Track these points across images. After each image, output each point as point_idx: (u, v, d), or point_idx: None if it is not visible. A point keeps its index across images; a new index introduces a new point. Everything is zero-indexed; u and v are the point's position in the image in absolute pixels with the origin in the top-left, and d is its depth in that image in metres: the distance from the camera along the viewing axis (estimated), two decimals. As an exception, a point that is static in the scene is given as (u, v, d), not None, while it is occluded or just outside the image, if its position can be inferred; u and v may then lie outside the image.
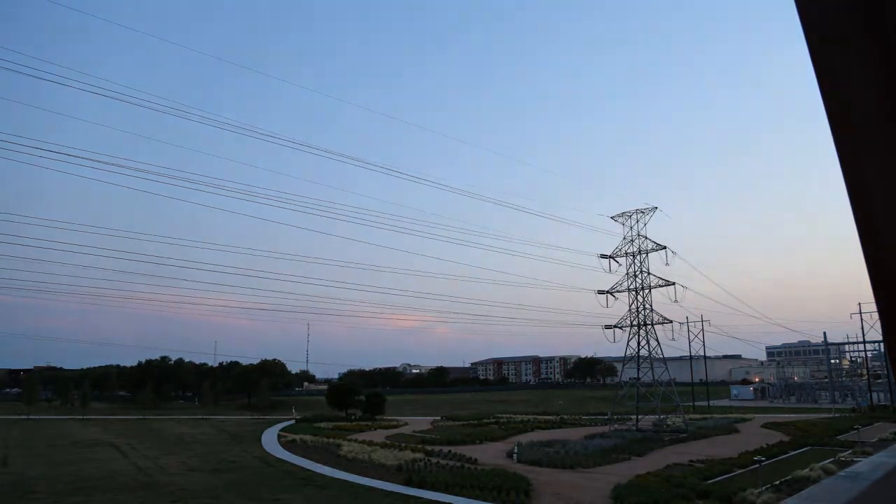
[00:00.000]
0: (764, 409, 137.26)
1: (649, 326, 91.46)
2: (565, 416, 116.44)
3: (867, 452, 62.76)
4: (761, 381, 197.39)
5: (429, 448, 68.03)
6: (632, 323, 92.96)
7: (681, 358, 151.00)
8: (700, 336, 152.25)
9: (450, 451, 65.53)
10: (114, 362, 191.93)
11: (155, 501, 43.67)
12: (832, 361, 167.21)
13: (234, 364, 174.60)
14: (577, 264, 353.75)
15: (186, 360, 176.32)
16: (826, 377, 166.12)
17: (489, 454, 65.07)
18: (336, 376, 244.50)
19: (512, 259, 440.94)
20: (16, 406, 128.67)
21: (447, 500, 42.95)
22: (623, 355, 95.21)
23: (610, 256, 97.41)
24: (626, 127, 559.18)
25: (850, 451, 63.28)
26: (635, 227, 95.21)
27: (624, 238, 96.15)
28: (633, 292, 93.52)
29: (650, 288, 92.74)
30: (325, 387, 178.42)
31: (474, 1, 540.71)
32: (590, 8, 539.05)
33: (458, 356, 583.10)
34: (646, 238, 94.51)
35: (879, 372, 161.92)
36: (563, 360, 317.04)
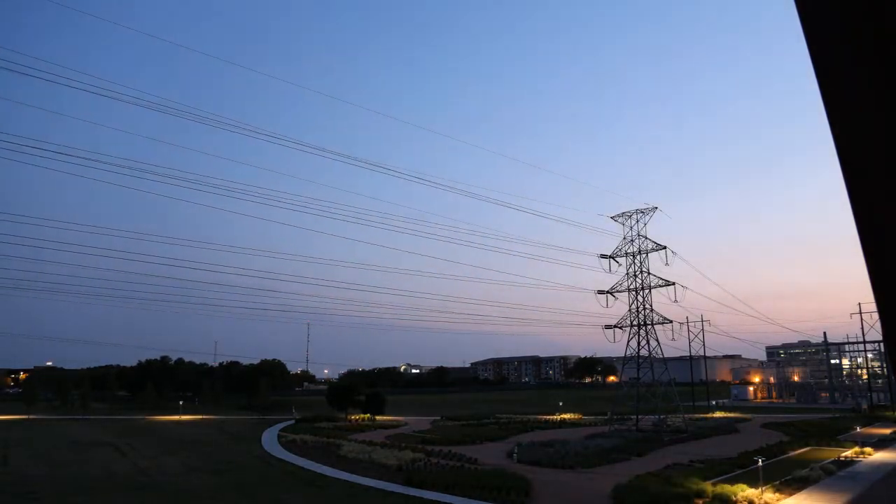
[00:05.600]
0: (764, 409, 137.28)
1: (649, 326, 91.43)
2: (565, 417, 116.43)
3: (867, 452, 62.76)
4: (761, 381, 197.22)
5: (429, 448, 68.03)
6: (632, 323, 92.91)
7: (681, 358, 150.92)
8: (700, 336, 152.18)
9: (450, 451, 65.55)
10: (114, 362, 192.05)
11: (155, 501, 43.67)
12: (832, 361, 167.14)
13: (234, 364, 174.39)
14: (577, 264, 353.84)
15: (186, 360, 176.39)
16: (826, 377, 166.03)
17: (489, 454, 65.06)
18: (336, 376, 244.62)
19: (512, 259, 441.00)
20: (16, 406, 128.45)
21: (447, 500, 42.96)
22: (623, 355, 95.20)
23: (610, 256, 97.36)
24: (628, 127, 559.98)
25: (850, 451, 63.30)
26: (635, 227, 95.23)
27: (624, 238, 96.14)
28: (633, 292, 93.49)
29: (650, 288, 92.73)
30: (325, 387, 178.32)
31: (473, 1, 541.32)
32: (591, 10, 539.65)
33: (458, 356, 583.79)
34: (646, 238, 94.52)
35: (879, 372, 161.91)
36: (563, 360, 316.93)
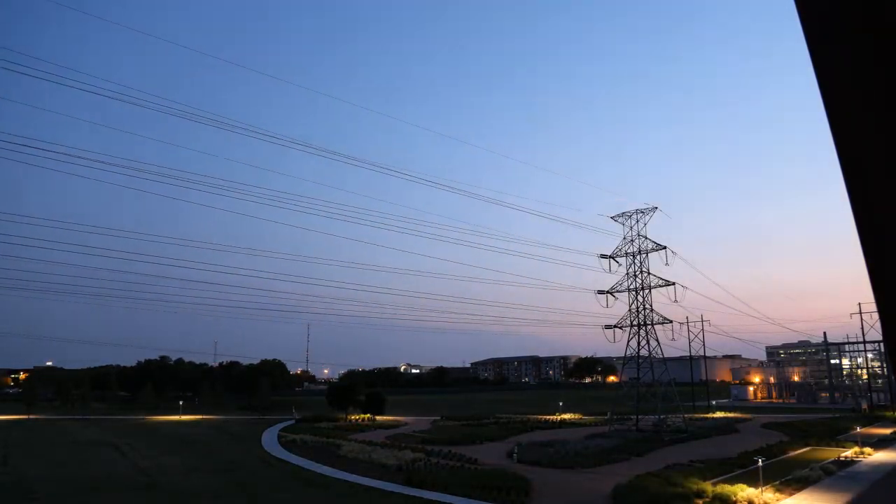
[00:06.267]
0: (764, 409, 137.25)
1: (649, 326, 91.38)
2: (565, 417, 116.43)
3: (867, 452, 62.76)
4: (761, 381, 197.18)
5: (429, 448, 68.03)
6: (632, 323, 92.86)
7: (681, 358, 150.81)
8: (700, 336, 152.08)
9: (450, 451, 65.54)
10: (114, 362, 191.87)
11: (155, 502, 43.66)
12: (832, 361, 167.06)
13: (234, 364, 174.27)
14: (577, 264, 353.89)
15: (186, 360, 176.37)
16: (826, 377, 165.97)
17: (489, 454, 65.06)
18: (336, 376, 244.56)
19: (512, 259, 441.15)
20: (16, 406, 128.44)
21: (447, 500, 42.94)
22: (623, 355, 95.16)
23: (610, 256, 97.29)
24: (629, 127, 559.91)
25: (850, 451, 63.30)
26: (635, 227, 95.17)
27: (624, 238, 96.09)
28: (633, 292, 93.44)
29: (650, 288, 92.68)
30: (325, 387, 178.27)
31: (480, 3, 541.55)
32: (591, 12, 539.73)
33: (458, 356, 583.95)
34: (646, 238, 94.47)
35: (879, 372, 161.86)
36: (563, 360, 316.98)
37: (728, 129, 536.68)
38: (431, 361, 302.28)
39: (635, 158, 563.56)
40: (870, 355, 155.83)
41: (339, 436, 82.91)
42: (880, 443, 71.91)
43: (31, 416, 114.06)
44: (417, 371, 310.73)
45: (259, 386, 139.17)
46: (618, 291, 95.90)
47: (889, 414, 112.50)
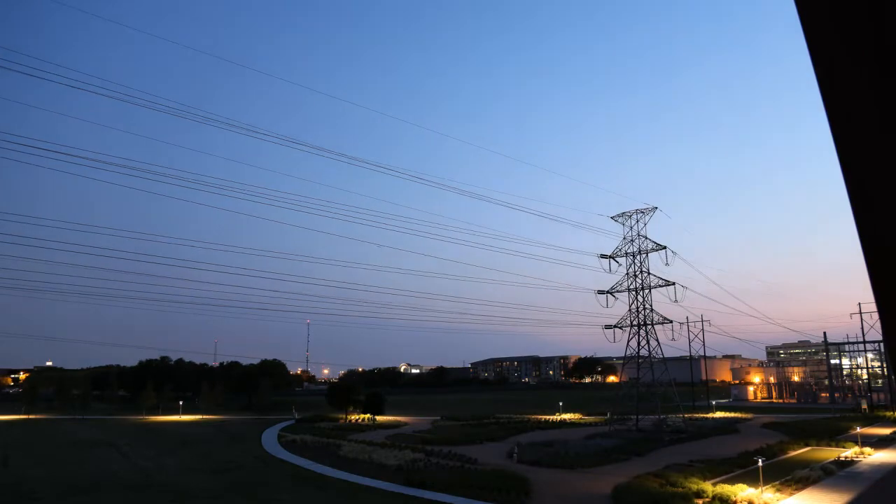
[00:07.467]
0: (764, 409, 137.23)
1: (649, 326, 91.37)
2: (565, 417, 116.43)
3: (867, 452, 62.77)
4: (761, 381, 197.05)
5: (429, 448, 68.00)
6: (632, 323, 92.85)
7: (681, 358, 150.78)
8: (700, 336, 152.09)
9: (450, 451, 65.52)
10: (114, 362, 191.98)
11: (155, 502, 43.66)
12: (832, 361, 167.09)
13: (234, 364, 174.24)
14: (577, 264, 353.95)
15: (186, 360, 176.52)
16: (826, 377, 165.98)
17: (489, 454, 65.06)
18: (336, 376, 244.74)
19: (512, 259, 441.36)
20: (16, 406, 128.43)
21: (447, 500, 42.94)
22: (623, 355, 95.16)
23: (610, 256, 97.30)
24: (629, 128, 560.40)
25: (850, 451, 63.30)
26: (635, 227, 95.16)
27: (624, 238, 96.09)
28: (633, 292, 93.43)
29: (650, 288, 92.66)
30: (325, 387, 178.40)
31: (482, 6, 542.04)
32: (591, 10, 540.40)
33: (458, 356, 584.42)
34: (646, 238, 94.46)
35: (879, 372, 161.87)
36: (563, 360, 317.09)
37: (729, 128, 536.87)
38: (431, 361, 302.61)
39: (636, 158, 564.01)
40: (870, 355, 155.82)
41: (339, 436, 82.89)
42: (880, 443, 71.92)
43: (31, 417, 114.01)
44: (417, 371, 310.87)
45: (259, 386, 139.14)
46: (618, 291, 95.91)
47: (889, 414, 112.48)
